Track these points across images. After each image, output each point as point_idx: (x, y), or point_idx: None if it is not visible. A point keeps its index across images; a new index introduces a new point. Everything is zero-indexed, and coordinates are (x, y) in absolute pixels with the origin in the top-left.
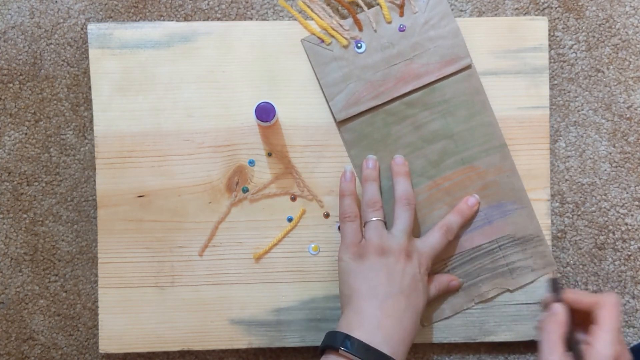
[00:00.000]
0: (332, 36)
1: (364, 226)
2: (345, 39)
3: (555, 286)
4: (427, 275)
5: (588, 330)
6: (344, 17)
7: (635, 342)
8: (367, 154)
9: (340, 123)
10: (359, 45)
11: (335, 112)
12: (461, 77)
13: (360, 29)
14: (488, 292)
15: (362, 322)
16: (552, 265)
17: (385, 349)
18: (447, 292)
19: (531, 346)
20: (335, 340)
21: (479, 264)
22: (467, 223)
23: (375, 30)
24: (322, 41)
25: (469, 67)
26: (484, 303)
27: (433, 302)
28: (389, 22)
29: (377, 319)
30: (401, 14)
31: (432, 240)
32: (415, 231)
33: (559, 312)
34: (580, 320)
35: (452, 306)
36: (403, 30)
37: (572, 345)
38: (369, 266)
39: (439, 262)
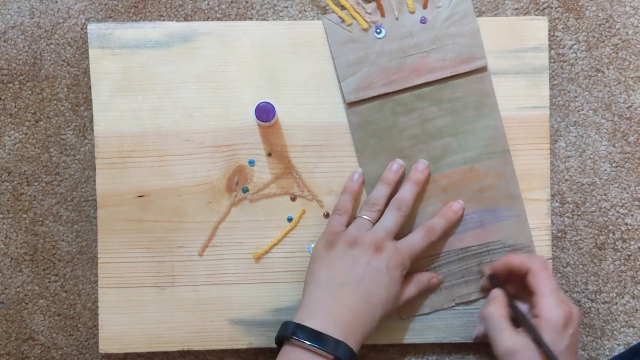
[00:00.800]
0: (354, 17)
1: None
2: (366, 22)
3: (493, 281)
4: (403, 273)
5: (530, 301)
6: (368, 1)
7: (635, 342)
8: (371, 140)
9: (349, 105)
10: (379, 30)
11: (345, 93)
12: (474, 78)
13: (382, 15)
14: (470, 295)
15: (315, 310)
16: None
17: (336, 334)
18: (428, 290)
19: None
20: (286, 330)
21: (465, 265)
22: (451, 227)
23: (396, 18)
24: (343, 21)
25: (483, 69)
26: (464, 305)
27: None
28: (412, 13)
29: (329, 307)
30: (424, 6)
31: (412, 240)
32: (406, 223)
33: (497, 294)
34: (520, 290)
35: (432, 303)
36: (424, 23)
37: (521, 321)
38: (335, 255)
39: (425, 258)
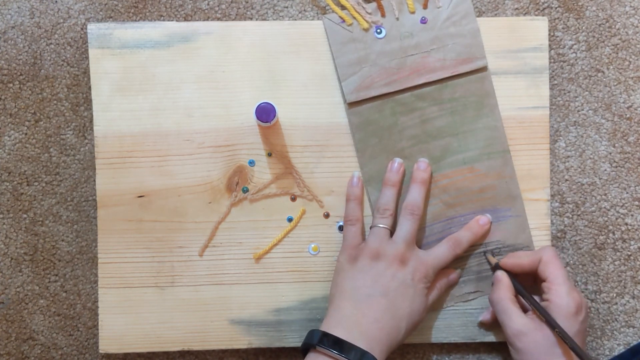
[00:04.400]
0: (354, 17)
1: (370, 228)
2: (367, 22)
3: (498, 270)
4: (428, 285)
5: (540, 289)
6: (368, 1)
7: (635, 342)
8: (372, 140)
9: (349, 105)
10: (379, 30)
11: (346, 93)
12: (474, 78)
13: (383, 15)
14: (469, 294)
15: (340, 321)
16: None
17: (361, 344)
18: (450, 287)
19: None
20: (313, 338)
21: (464, 265)
22: (478, 241)
23: (397, 19)
24: (343, 21)
25: (483, 69)
26: (464, 305)
27: None
28: (412, 13)
29: (354, 318)
30: (425, 7)
31: (437, 252)
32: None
33: (502, 278)
34: (526, 283)
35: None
36: (424, 23)
37: (531, 304)
38: (359, 268)
39: None
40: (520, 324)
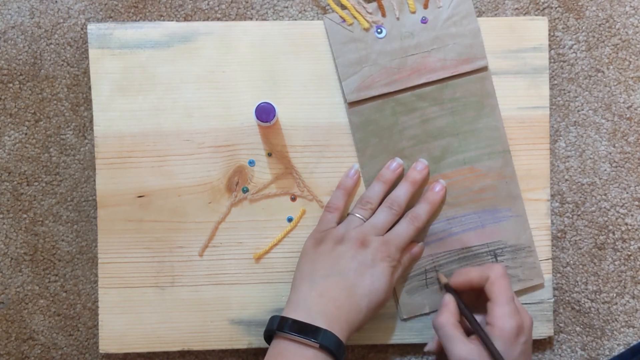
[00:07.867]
0: (355, 17)
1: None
2: (367, 22)
3: (449, 289)
4: (392, 264)
5: (485, 308)
6: (369, 1)
7: (635, 342)
8: (372, 139)
9: (350, 105)
10: (380, 30)
11: (346, 92)
12: (475, 78)
13: (383, 15)
14: None
15: (298, 303)
16: (539, 278)
17: (319, 324)
18: (415, 260)
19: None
20: (273, 324)
21: (465, 265)
22: (435, 210)
23: (397, 18)
24: (344, 21)
25: (484, 69)
26: None
27: (415, 297)
28: (413, 12)
29: (311, 299)
30: (425, 6)
31: (397, 230)
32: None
33: (448, 301)
34: (476, 301)
35: (432, 303)
36: (425, 23)
37: (475, 330)
38: (321, 251)
39: (425, 258)
40: (464, 351)
